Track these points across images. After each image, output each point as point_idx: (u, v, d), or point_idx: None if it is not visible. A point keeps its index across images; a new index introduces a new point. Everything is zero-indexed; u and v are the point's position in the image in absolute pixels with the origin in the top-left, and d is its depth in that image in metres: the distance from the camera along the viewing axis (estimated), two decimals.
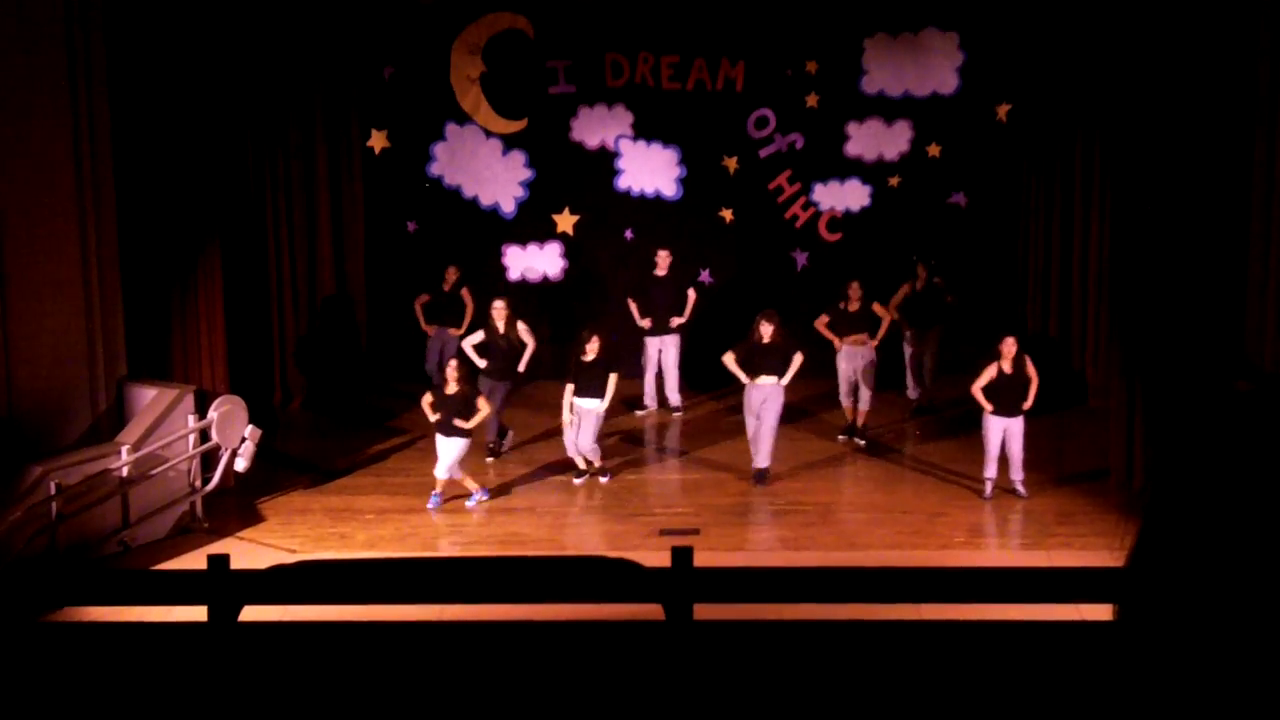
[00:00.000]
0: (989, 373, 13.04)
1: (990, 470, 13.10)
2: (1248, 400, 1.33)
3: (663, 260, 15.86)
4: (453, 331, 15.93)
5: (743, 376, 13.53)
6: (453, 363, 13.46)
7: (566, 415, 13.56)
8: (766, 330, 13.51)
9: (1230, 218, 13.37)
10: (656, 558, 6.67)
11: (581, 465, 13.73)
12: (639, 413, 15.83)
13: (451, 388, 13.16)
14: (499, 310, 14.53)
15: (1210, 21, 13.58)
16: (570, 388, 13.53)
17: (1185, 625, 1.28)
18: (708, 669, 5.25)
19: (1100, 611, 1.75)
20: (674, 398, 15.95)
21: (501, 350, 14.48)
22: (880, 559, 11.52)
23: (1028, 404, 13.11)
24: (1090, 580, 6.14)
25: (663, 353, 15.81)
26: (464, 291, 16.17)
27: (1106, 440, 13.76)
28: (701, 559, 6.37)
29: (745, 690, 5.12)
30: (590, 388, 13.51)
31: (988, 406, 13.01)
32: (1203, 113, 13.71)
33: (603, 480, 13.74)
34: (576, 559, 10.33)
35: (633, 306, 15.88)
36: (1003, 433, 12.99)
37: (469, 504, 13.23)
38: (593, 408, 13.52)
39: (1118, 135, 15.50)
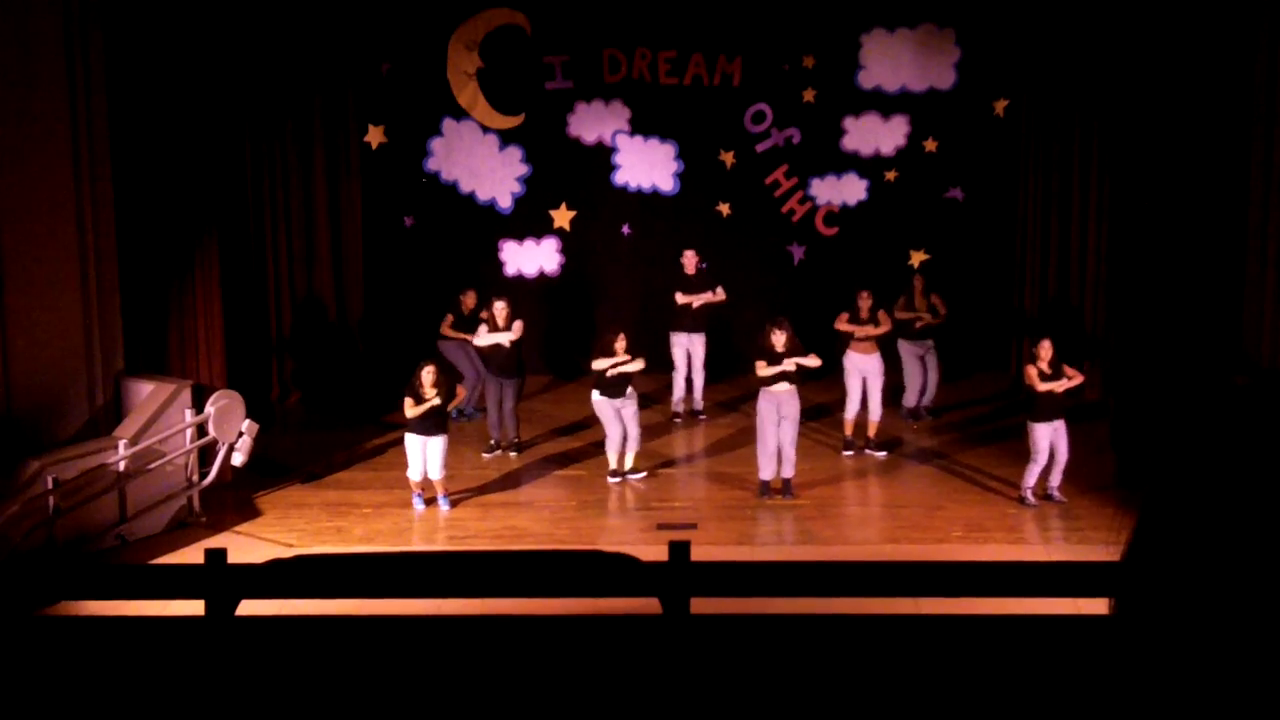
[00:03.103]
0: (1031, 373, 12.79)
1: (1031, 479, 12.78)
2: (1246, 395, 1.33)
3: (689, 260, 15.70)
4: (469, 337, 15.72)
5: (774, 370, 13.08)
6: (428, 368, 13.05)
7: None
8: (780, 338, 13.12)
9: (1228, 213, 13.38)
10: (654, 552, 6.67)
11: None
12: (677, 420, 15.60)
13: (434, 395, 12.91)
14: (500, 310, 14.49)
15: (1209, 17, 13.59)
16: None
17: (1182, 620, 1.28)
18: (705, 662, 5.26)
19: (1097, 605, 1.75)
20: (698, 402, 15.73)
21: (504, 350, 14.44)
22: (878, 553, 11.53)
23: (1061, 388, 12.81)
24: (1087, 574, 6.14)
25: (691, 353, 15.64)
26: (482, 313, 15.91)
27: (1105, 436, 13.77)
28: (699, 553, 6.38)
29: (742, 683, 5.13)
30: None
31: (1042, 387, 12.66)
32: (1201, 108, 13.73)
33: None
34: (574, 553, 10.33)
35: (689, 299, 15.47)
36: (1051, 436, 12.71)
37: (443, 509, 13.07)
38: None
39: (1116, 130, 15.51)
